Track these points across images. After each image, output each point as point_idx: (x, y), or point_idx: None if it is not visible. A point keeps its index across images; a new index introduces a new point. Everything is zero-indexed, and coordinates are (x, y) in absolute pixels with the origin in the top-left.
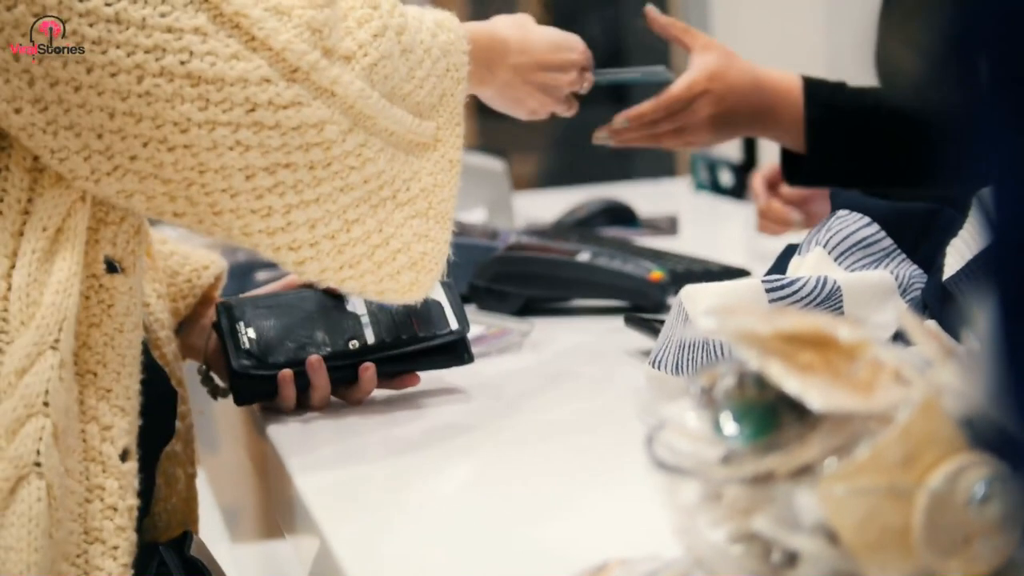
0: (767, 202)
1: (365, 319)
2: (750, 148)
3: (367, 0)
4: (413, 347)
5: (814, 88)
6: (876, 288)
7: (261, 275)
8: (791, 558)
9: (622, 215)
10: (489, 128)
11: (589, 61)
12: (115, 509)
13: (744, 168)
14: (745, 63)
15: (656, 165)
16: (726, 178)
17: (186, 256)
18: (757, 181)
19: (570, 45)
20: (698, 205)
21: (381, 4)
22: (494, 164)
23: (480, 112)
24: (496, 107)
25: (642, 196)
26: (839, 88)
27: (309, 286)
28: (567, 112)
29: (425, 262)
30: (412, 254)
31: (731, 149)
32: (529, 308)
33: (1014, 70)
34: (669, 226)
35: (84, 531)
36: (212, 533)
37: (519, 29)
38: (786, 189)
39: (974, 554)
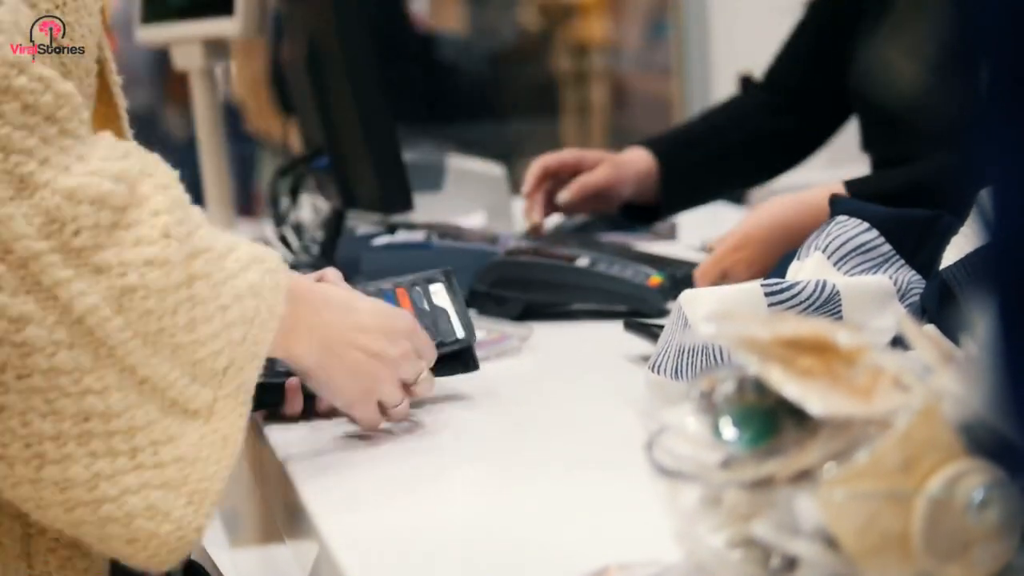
0: (532, 191)
1: None
2: None
3: (169, 227)
4: None
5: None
6: (875, 293)
7: None
8: (790, 563)
9: (621, 220)
10: (488, 133)
11: (425, 349)
12: (58, 540)
13: None
14: (775, 212)
15: None
16: None
17: None
18: (535, 168)
19: (397, 313)
20: (697, 210)
21: (182, 239)
22: (494, 169)
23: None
24: (319, 386)
25: None
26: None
27: None
28: (402, 409)
29: (153, 546)
30: (138, 529)
31: None
32: (529, 313)
33: (1015, 70)
34: (668, 231)
35: (28, 566)
36: (212, 537)
37: (342, 289)
38: (563, 195)
39: (973, 560)
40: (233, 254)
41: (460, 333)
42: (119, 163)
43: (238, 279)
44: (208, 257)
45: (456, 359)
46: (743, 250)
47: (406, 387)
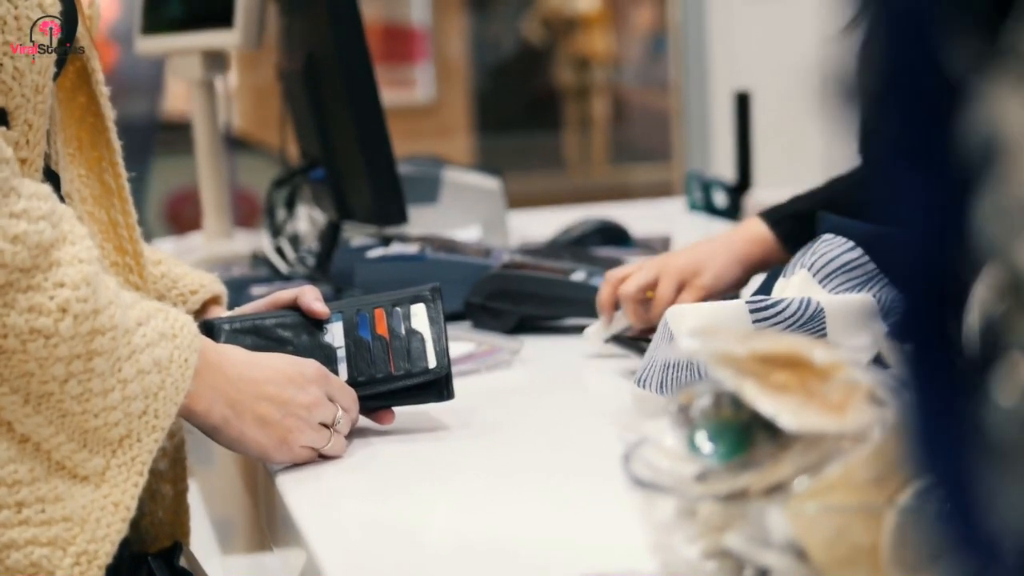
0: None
1: (341, 352)
2: (744, 169)
3: (69, 303)
4: (384, 388)
5: (770, 213)
6: (858, 310)
7: (256, 289)
8: (763, 574)
9: (616, 235)
10: (487, 146)
11: (339, 393)
12: None
13: (739, 189)
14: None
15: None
16: (720, 199)
17: (176, 279)
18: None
19: (304, 362)
20: (692, 225)
21: (82, 316)
22: (490, 182)
23: (479, 130)
24: (230, 442)
25: (636, 216)
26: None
27: (292, 308)
28: (335, 447)
29: None
30: None
31: (726, 169)
32: (524, 326)
33: (908, 110)
34: (663, 246)
35: None
36: (204, 545)
37: (243, 350)
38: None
39: (942, 572)
40: (142, 329)
41: (431, 363)
42: (26, 224)
43: (143, 355)
44: (112, 335)
45: (429, 388)
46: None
47: (329, 427)
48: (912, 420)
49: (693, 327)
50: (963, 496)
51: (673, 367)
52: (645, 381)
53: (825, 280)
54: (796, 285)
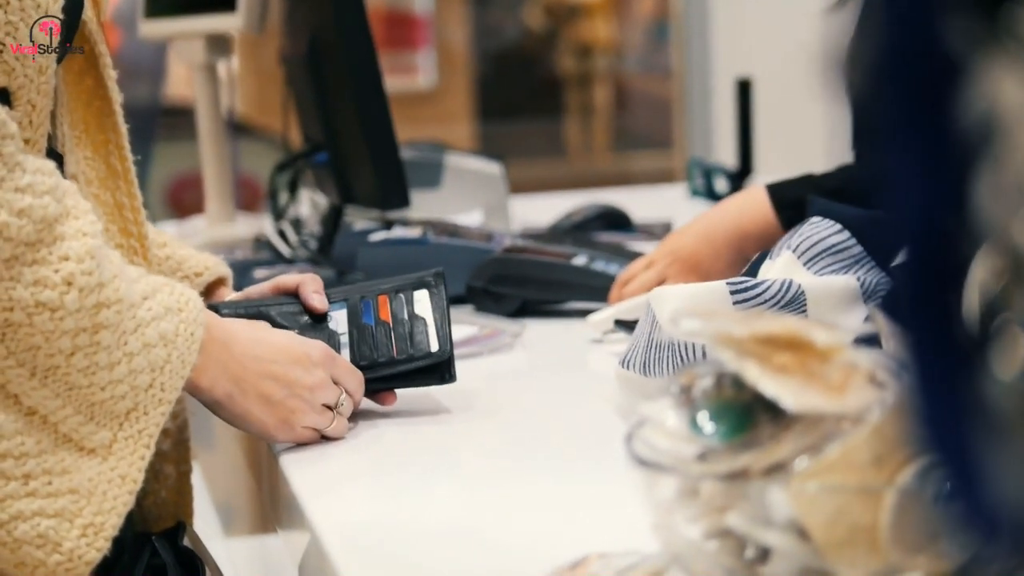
0: None
1: (344, 337)
2: (746, 156)
3: (74, 276)
4: (387, 371)
5: (778, 192)
6: (840, 293)
7: (259, 272)
8: (764, 554)
9: (617, 220)
10: (489, 133)
11: (344, 375)
12: None
13: (740, 176)
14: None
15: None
16: (722, 185)
17: (180, 261)
18: None
19: (310, 343)
20: (693, 211)
21: (87, 289)
22: (492, 167)
23: (481, 117)
24: (233, 418)
25: (638, 202)
26: (802, 183)
27: (294, 294)
28: (338, 428)
29: (39, 574)
30: (25, 555)
31: (727, 156)
32: (525, 310)
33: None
34: (664, 232)
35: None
36: (207, 527)
37: (251, 327)
38: None
39: (941, 551)
40: (147, 303)
41: (434, 347)
42: (31, 199)
43: (149, 328)
44: (118, 308)
45: (431, 371)
46: (668, 257)
47: (332, 409)
48: (913, 397)
49: (675, 309)
50: (965, 471)
51: (655, 347)
52: (629, 362)
53: (810, 262)
54: (780, 267)
